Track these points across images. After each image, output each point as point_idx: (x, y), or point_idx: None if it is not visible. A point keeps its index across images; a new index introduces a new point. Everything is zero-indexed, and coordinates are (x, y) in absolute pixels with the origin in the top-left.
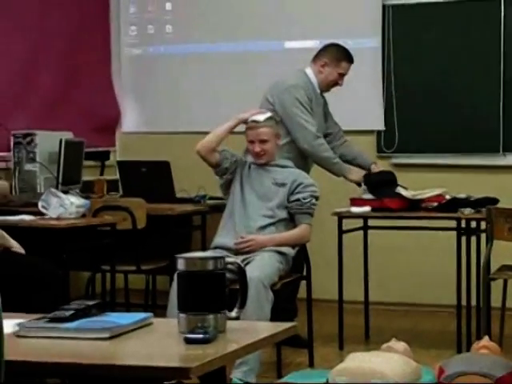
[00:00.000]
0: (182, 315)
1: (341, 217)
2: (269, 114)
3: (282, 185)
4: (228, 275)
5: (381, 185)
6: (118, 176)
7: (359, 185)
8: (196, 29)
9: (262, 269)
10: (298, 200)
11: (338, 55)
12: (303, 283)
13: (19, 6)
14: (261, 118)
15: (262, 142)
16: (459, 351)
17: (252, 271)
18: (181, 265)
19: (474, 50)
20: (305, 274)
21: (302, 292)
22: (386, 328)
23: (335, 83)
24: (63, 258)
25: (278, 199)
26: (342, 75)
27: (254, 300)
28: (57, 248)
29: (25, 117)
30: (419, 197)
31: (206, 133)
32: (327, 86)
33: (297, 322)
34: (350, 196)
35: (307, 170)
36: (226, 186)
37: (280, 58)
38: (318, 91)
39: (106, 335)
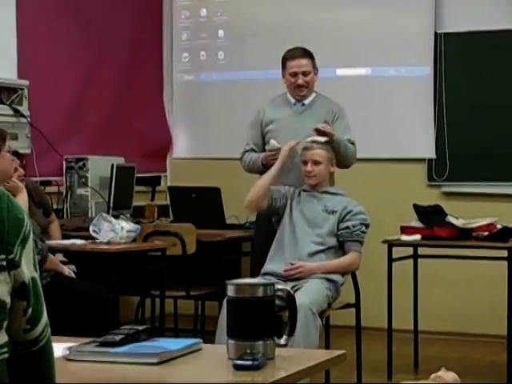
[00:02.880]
0: (231, 341)
1: (391, 245)
2: (325, 139)
3: (333, 212)
4: (277, 302)
5: (431, 213)
6: (168, 201)
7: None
8: (248, 56)
9: (310, 295)
10: (347, 228)
11: (282, 60)
12: (352, 311)
13: (73, 34)
14: (321, 139)
15: (315, 163)
16: (510, 382)
17: (300, 298)
18: (230, 291)
19: None
20: (354, 301)
21: (350, 320)
22: (435, 357)
23: (296, 86)
24: (113, 283)
25: (328, 226)
26: (293, 75)
27: (301, 326)
28: (107, 272)
29: (77, 142)
30: (470, 226)
31: None
32: (293, 93)
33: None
34: (400, 224)
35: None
36: (280, 219)
37: (332, 85)
38: (293, 101)
39: (155, 360)
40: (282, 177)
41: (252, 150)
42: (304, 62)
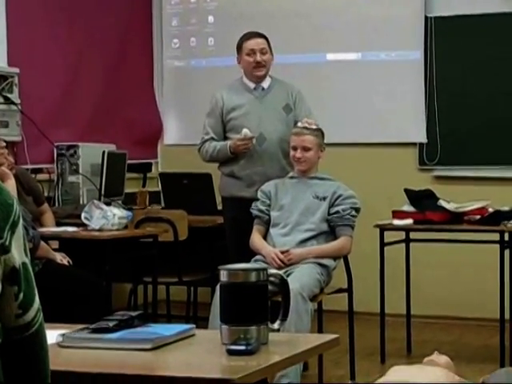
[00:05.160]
0: (225, 326)
1: (383, 229)
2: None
3: (323, 198)
4: (270, 287)
5: (422, 197)
6: (160, 188)
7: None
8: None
9: (300, 280)
10: (337, 212)
11: (237, 45)
12: (345, 296)
13: (63, 21)
14: (313, 126)
15: (305, 149)
16: (502, 365)
17: (291, 283)
18: (223, 276)
19: None
20: (346, 286)
21: (343, 305)
22: (428, 341)
23: (254, 65)
24: (105, 270)
25: (320, 213)
26: (250, 54)
27: (292, 311)
28: (99, 259)
29: (68, 129)
30: (462, 209)
31: None
32: (252, 75)
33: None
34: (391, 208)
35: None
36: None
37: (322, 71)
38: (253, 86)
39: (149, 346)
40: (251, 164)
41: (212, 138)
42: (260, 41)
